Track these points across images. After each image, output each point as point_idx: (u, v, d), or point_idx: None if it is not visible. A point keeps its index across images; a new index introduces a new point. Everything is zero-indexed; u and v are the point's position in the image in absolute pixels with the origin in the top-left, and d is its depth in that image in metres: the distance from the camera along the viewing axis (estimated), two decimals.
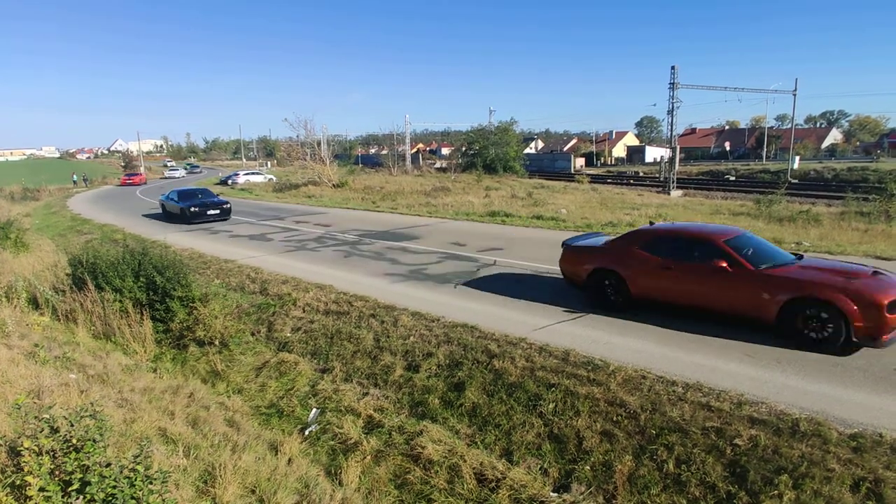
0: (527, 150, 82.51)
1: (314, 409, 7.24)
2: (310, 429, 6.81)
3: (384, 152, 78.48)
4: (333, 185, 39.84)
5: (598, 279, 9.32)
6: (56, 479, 3.56)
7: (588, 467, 5.54)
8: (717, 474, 5.11)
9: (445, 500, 5.40)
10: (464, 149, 61.70)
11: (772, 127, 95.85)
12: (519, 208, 24.47)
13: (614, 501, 5.14)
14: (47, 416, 3.88)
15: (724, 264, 7.84)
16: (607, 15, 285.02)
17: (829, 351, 7.07)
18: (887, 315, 6.65)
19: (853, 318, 6.81)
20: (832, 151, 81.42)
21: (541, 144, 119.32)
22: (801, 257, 8.48)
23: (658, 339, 7.92)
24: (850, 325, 6.83)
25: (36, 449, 3.60)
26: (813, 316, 7.19)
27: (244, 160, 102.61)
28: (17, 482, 3.57)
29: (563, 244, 10.18)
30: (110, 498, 3.51)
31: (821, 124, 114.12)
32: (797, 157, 57.89)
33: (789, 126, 65.82)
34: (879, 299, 6.71)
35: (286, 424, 7.04)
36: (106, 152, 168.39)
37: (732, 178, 53.23)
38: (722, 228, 9.03)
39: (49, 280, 11.60)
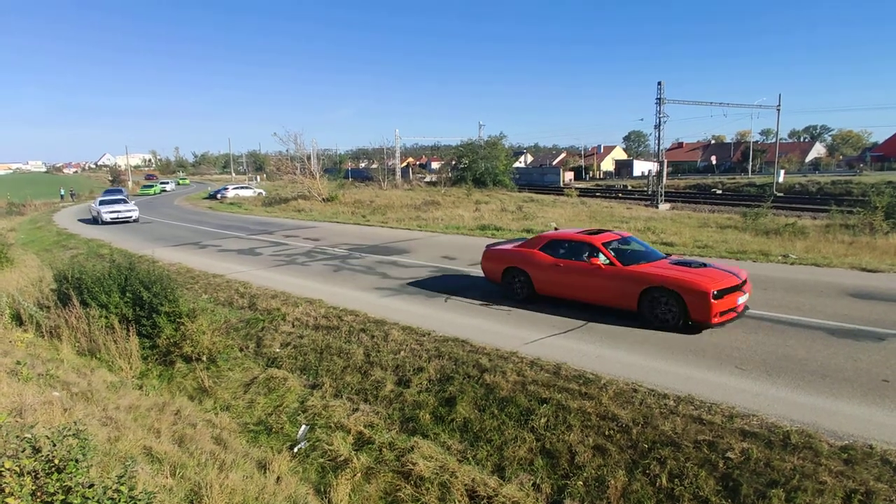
0: (516, 164, 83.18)
1: (303, 426, 7.14)
2: (299, 446, 6.71)
3: (374, 166, 78.54)
4: (323, 200, 39.80)
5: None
6: (38, 500, 3.47)
7: (581, 482, 5.50)
8: (710, 488, 5.09)
9: None
10: (453, 163, 62.02)
11: (757, 141, 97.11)
12: (509, 222, 24.57)
13: None
14: (29, 436, 3.79)
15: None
16: (595, 32, 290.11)
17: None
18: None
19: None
20: (816, 165, 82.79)
21: (530, 158, 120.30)
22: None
23: (648, 351, 7.93)
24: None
25: (17, 469, 3.51)
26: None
27: (233, 174, 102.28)
28: None
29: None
30: None
31: (804, 139, 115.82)
32: (782, 171, 58.74)
33: (774, 140, 66.91)
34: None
35: (275, 442, 6.94)
36: (93, 167, 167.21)
37: (719, 192, 53.93)
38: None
39: (33, 296, 11.43)
